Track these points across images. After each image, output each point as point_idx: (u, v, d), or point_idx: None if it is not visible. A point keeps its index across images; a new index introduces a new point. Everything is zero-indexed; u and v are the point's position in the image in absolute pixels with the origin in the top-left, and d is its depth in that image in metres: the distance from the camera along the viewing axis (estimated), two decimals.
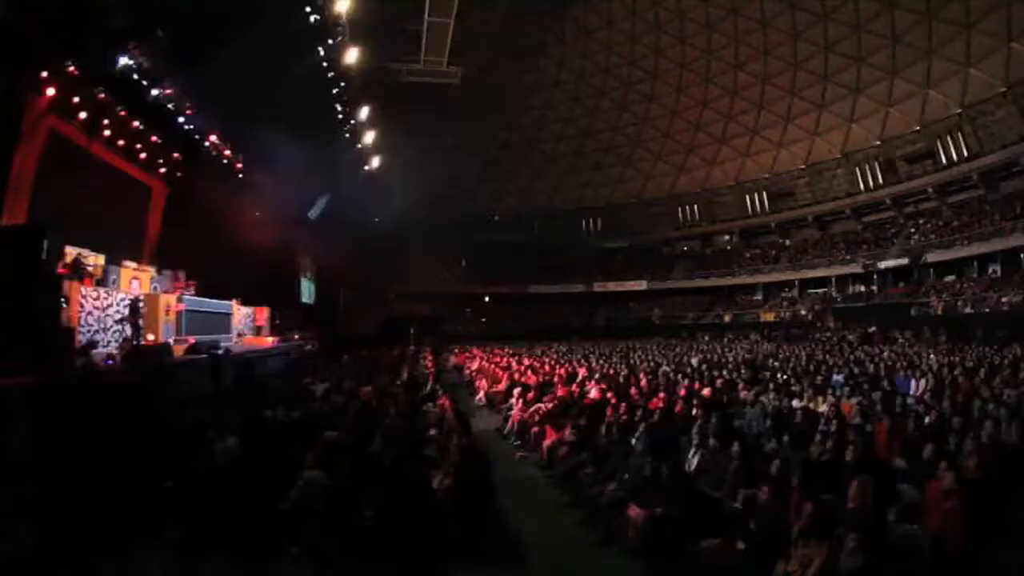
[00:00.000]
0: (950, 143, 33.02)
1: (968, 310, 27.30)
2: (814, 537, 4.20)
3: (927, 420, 7.62)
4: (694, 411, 9.08)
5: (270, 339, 19.89)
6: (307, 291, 29.94)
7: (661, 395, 11.20)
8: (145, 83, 13.48)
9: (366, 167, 27.71)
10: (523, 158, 51.01)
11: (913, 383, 11.81)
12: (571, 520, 6.79)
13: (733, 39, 39.69)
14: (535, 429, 10.13)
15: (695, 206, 47.79)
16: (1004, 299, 25.70)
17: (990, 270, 30.29)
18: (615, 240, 50.42)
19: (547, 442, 9.18)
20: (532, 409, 11.00)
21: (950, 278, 32.11)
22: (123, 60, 12.55)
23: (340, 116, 21.86)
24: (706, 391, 11.74)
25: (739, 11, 38.07)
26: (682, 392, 11.33)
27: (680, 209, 48.38)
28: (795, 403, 9.94)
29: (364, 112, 23.12)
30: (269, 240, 20.70)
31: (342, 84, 19.87)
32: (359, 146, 25.27)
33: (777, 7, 36.55)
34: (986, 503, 5.07)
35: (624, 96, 46.71)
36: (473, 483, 6.22)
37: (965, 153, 32.36)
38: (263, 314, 20.94)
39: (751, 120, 42.50)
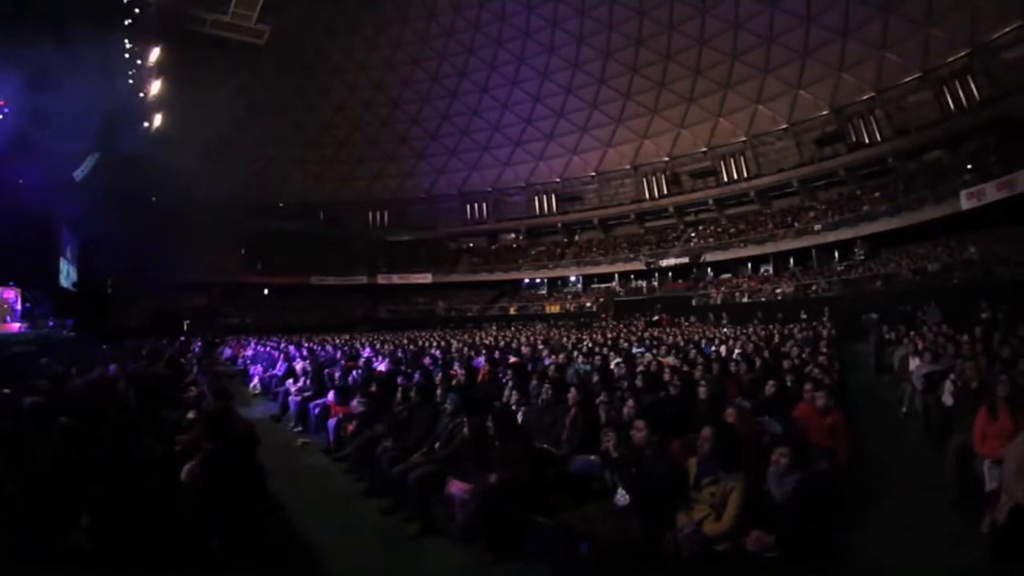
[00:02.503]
0: (732, 164, 38.35)
1: (745, 300, 31.19)
2: (722, 468, 3.67)
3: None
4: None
5: (16, 325, 16.97)
6: (67, 274, 25.93)
7: (457, 367, 10.25)
8: None
9: (146, 124, 23.43)
10: (315, 143, 47.20)
11: (712, 349, 12.57)
12: (372, 511, 5.36)
13: (547, 48, 41.28)
14: (316, 410, 8.53)
15: (484, 204, 48.69)
16: (778, 291, 30.40)
17: (762, 269, 35.18)
18: (402, 234, 49.43)
19: (332, 420, 7.70)
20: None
21: (726, 275, 36.18)
22: None
23: (127, 55, 17.66)
24: (512, 359, 11.31)
25: (559, 24, 39.92)
26: (483, 362, 10.72)
27: (469, 206, 49.04)
28: (612, 363, 9.43)
29: (154, 55, 18.77)
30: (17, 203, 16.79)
31: (136, 11, 16.21)
32: (142, 95, 20.91)
33: (591, 25, 39.01)
34: None
35: (428, 90, 45.84)
36: (231, 470, 4.25)
37: (745, 174, 37.76)
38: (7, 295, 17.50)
39: (549, 126, 44.48)
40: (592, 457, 4.84)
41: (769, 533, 3.20)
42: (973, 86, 27.09)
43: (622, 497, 3.82)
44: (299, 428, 8.98)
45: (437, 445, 5.54)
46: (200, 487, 4.14)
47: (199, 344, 19.93)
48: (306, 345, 17.17)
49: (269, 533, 4.46)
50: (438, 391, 6.81)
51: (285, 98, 43.60)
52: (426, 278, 45.72)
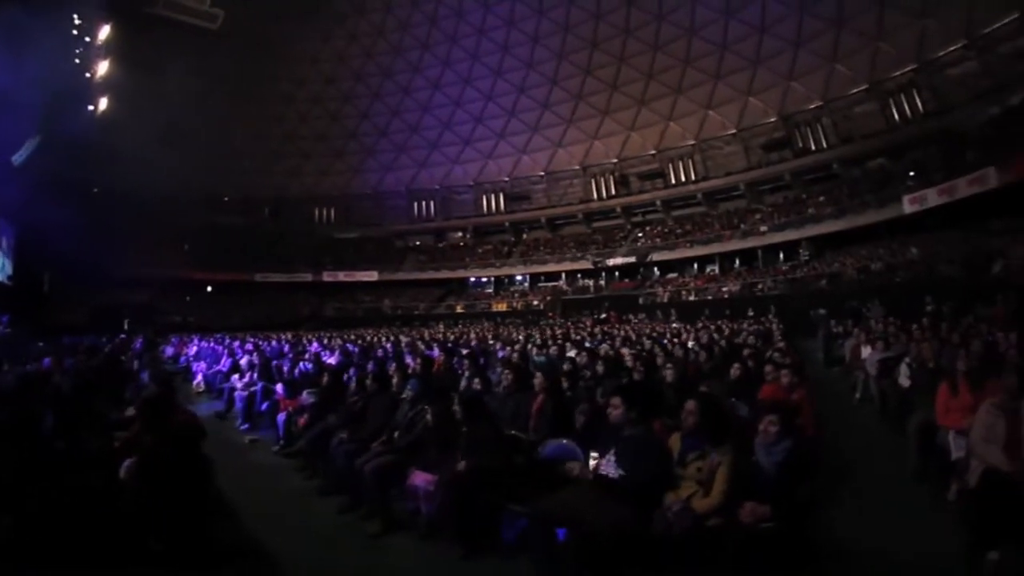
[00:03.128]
0: (680, 167, 39.09)
1: (692, 298, 31.60)
2: (708, 442, 3.55)
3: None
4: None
5: None
6: (2, 266, 25.48)
7: (410, 359, 9.94)
8: None
9: (91, 107, 22.22)
10: (263, 136, 45.59)
11: (666, 339, 12.62)
12: (328, 509, 4.97)
13: (502, 46, 41.17)
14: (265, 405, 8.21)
15: (432, 202, 48.35)
16: (724, 289, 31.11)
17: (708, 269, 35.79)
18: (348, 231, 48.45)
19: (281, 415, 7.29)
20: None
21: (673, 275, 36.58)
22: None
23: (75, 31, 16.81)
24: (464, 350, 11.19)
25: (516, 23, 39.83)
26: (438, 354, 10.53)
27: (417, 204, 48.59)
28: (570, 353, 9.36)
29: (104, 32, 17.64)
30: None
31: None
32: (88, 76, 19.88)
33: (547, 26, 39.23)
34: None
35: (380, 85, 45.11)
36: (173, 463, 3.90)
37: (693, 176, 38.56)
38: None
39: (499, 125, 44.39)
40: (565, 441, 4.65)
41: (763, 504, 3.10)
42: (918, 99, 28.54)
43: (607, 465, 3.65)
44: (246, 425, 8.52)
45: (396, 435, 5.24)
46: (141, 484, 3.77)
47: (140, 341, 18.87)
48: (251, 340, 16.48)
49: (217, 535, 4.10)
50: (394, 380, 6.47)
51: (235, 88, 41.99)
52: (372, 276, 44.92)
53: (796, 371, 6.02)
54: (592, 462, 3.86)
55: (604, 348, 10.76)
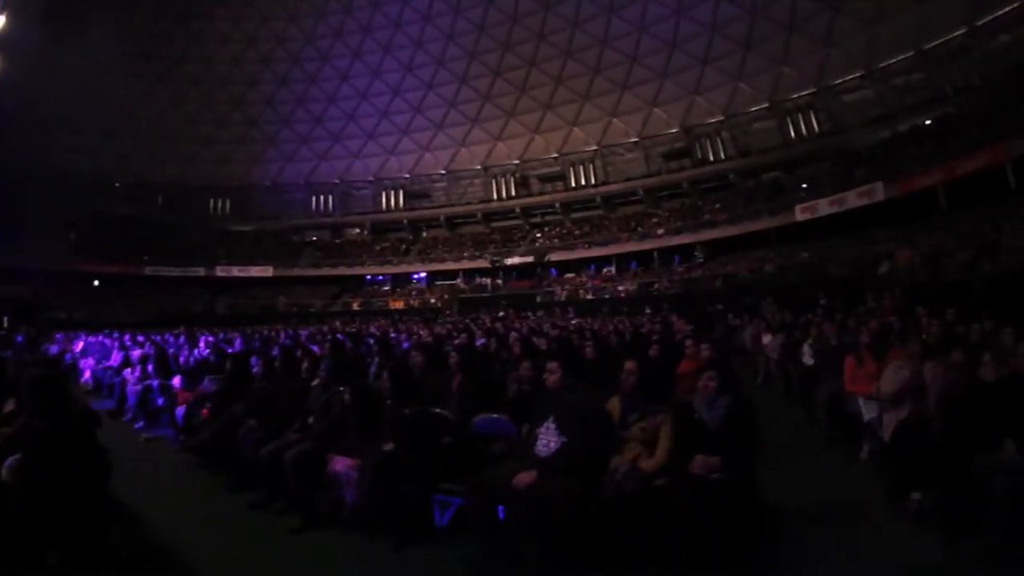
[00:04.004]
0: (581, 171, 40.22)
1: (589, 297, 32.46)
2: (649, 402, 3.59)
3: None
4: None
5: None
6: None
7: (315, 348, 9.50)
8: None
9: None
10: (163, 118, 41.70)
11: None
12: (240, 507, 4.44)
13: (416, 42, 40.46)
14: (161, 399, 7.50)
15: (331, 196, 46.88)
16: (621, 288, 32.17)
17: (604, 269, 36.51)
18: (244, 223, 45.79)
19: (180, 409, 6.64)
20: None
21: (570, 275, 37.08)
22: None
23: None
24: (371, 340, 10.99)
25: (432, 19, 39.25)
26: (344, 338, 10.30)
27: (315, 198, 46.98)
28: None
29: None
30: None
31: None
32: None
33: (462, 25, 38.83)
34: None
35: (288, 71, 42.79)
36: (67, 456, 3.34)
37: (593, 180, 39.78)
38: None
39: (404, 121, 43.64)
40: (496, 415, 4.50)
41: (712, 456, 3.09)
42: (814, 120, 31.32)
43: (544, 447, 3.46)
44: (142, 423, 7.72)
45: (311, 420, 4.85)
46: (30, 482, 3.17)
47: (21, 338, 16.65)
48: (142, 337, 15.04)
49: (119, 543, 3.60)
50: (303, 365, 6.05)
51: (135, 64, 38.30)
52: (267, 271, 42.57)
53: (715, 346, 6.27)
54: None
55: (513, 336, 10.74)
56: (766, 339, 10.24)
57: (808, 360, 7.42)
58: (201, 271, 41.36)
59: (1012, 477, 2.96)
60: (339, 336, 10.67)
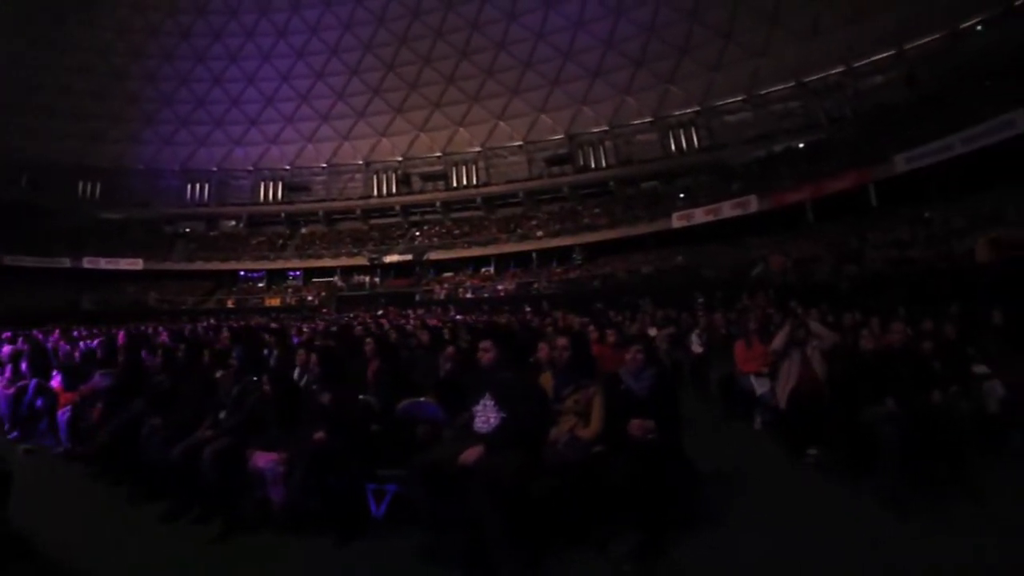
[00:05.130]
0: (464, 171, 40.65)
1: (469, 295, 32.73)
2: (581, 375, 3.77)
3: None
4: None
5: None
6: None
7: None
8: None
9: None
10: (35, 86, 36.24)
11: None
12: (148, 520, 3.92)
13: (311, 28, 38.99)
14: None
15: (207, 184, 43.68)
16: (500, 287, 32.78)
17: (483, 270, 36.85)
18: (114, 211, 41.23)
19: (63, 412, 5.81)
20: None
21: (448, 274, 37.12)
22: None
23: None
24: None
25: (331, 5, 37.98)
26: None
27: (191, 186, 43.54)
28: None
29: None
30: None
31: None
32: None
33: (361, 15, 37.92)
34: None
35: (175, 47, 39.19)
36: None
37: (475, 181, 40.34)
38: None
39: (290, 109, 41.85)
40: (422, 399, 4.49)
41: (646, 420, 3.30)
42: (695, 136, 34.12)
43: (484, 423, 3.51)
44: (16, 433, 6.62)
45: (223, 415, 4.48)
46: None
47: None
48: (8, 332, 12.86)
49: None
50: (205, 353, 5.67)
51: (4, 24, 33.21)
52: (137, 264, 38.52)
53: (619, 331, 6.67)
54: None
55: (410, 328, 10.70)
56: (652, 332, 11.01)
57: (697, 348, 8.14)
58: (67, 262, 36.51)
59: (897, 424, 3.56)
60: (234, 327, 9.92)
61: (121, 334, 9.50)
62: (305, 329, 11.49)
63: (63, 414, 5.74)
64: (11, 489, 3.33)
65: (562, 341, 3.90)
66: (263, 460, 3.80)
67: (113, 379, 5.60)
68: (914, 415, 3.64)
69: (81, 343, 7.59)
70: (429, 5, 36.88)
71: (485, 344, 3.93)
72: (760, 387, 5.40)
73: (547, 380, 3.90)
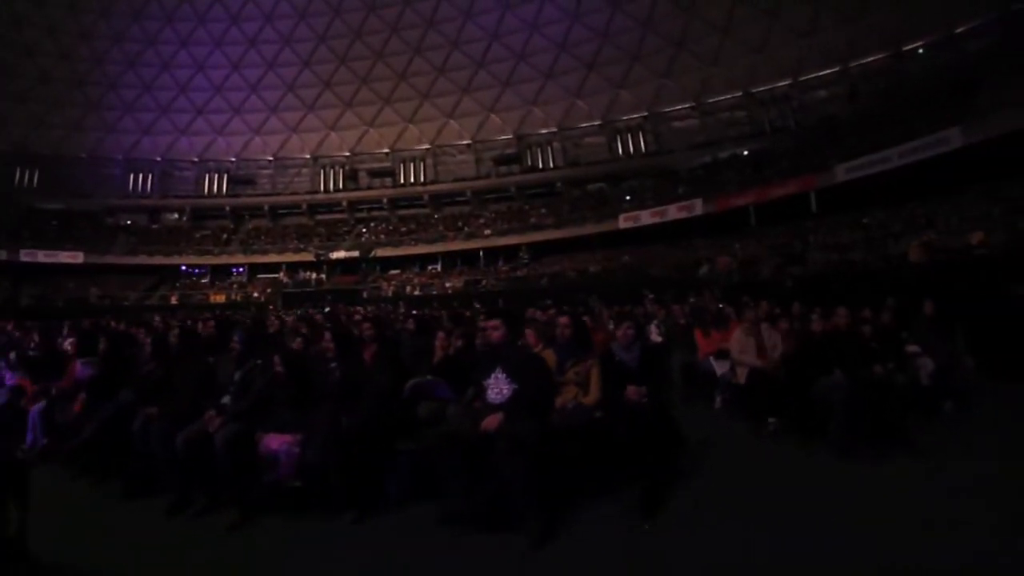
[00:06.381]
0: (412, 168, 40.78)
1: (417, 293, 32.95)
2: (580, 350, 4.29)
3: None
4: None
5: None
6: None
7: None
8: None
9: None
10: None
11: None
12: (150, 516, 3.82)
13: (266, 15, 38.05)
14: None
15: (150, 175, 42.03)
16: (448, 285, 32.95)
17: (430, 267, 37.52)
18: (53, 200, 39.01)
19: (35, 408, 5.52)
20: None
21: (395, 271, 37.47)
22: None
23: None
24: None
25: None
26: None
27: (133, 176, 41.77)
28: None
29: None
30: None
31: None
32: None
33: (318, 5, 37.36)
34: None
35: (126, 28, 37.50)
36: None
37: (423, 179, 40.49)
38: None
39: (239, 99, 40.67)
40: (429, 377, 4.72)
41: (640, 386, 3.86)
42: (643, 140, 35.45)
43: (497, 395, 3.80)
44: None
45: (225, 400, 4.37)
46: None
47: None
48: None
49: None
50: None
51: None
52: (77, 257, 36.55)
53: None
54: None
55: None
56: (610, 325, 11.68)
57: (656, 337, 8.80)
58: (3, 255, 34.20)
59: (844, 392, 4.33)
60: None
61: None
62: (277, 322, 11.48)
63: (35, 410, 5.38)
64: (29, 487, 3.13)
65: (564, 320, 4.44)
66: (276, 442, 3.81)
67: (96, 369, 5.32)
68: (859, 383, 4.40)
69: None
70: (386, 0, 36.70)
71: (495, 323, 4.25)
72: (720, 368, 6.10)
73: (550, 355, 4.38)
